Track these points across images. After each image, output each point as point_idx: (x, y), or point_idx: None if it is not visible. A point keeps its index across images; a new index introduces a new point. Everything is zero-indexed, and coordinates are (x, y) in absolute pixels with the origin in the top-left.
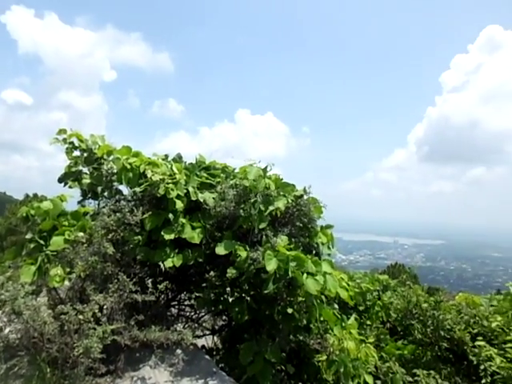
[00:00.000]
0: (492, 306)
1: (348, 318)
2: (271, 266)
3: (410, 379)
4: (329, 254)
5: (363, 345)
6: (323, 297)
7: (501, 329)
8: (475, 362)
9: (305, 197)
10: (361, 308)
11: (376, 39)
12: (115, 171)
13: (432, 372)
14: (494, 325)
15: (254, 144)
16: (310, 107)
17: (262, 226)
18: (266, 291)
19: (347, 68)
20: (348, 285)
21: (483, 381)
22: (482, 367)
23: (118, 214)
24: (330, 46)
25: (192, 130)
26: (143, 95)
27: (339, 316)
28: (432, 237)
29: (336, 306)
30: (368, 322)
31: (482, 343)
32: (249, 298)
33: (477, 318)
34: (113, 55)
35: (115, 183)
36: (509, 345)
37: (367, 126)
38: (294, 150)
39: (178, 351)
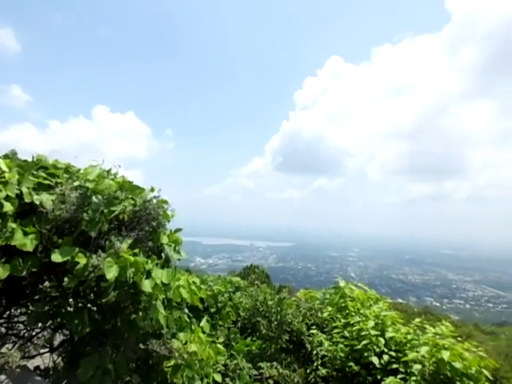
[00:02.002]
0: (326, 298)
1: (200, 321)
2: (111, 273)
3: (256, 372)
4: (178, 259)
5: (213, 345)
6: (173, 302)
7: (331, 318)
8: (310, 349)
9: (154, 200)
10: (212, 310)
11: (242, 55)
12: None
13: (274, 363)
14: (325, 315)
15: (112, 144)
16: (175, 110)
17: (104, 229)
18: (105, 300)
19: (213, 78)
20: (200, 288)
21: (315, 363)
22: (314, 352)
23: None
24: (196, 54)
25: (40, 124)
26: None
27: (188, 320)
28: (284, 239)
29: (186, 310)
30: (221, 323)
31: (315, 331)
32: (94, 308)
33: (312, 311)
34: None
35: None
36: (335, 330)
37: (229, 135)
38: (156, 153)
39: (2, 377)
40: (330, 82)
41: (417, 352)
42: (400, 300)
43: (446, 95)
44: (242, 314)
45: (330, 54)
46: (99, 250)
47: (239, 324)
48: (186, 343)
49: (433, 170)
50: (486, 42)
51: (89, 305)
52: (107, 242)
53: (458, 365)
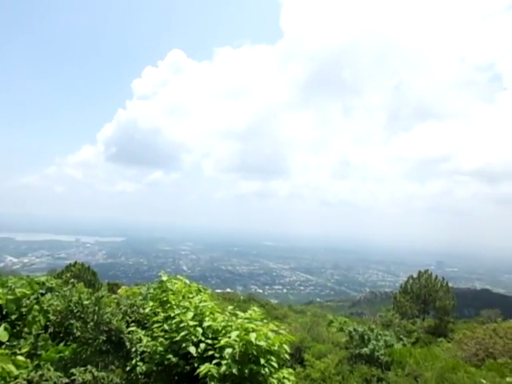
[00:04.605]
0: (149, 293)
1: None
2: None
3: (68, 380)
4: None
5: (11, 358)
6: None
7: (153, 313)
8: (129, 347)
9: None
10: (14, 316)
11: (77, 32)
12: None
13: (89, 367)
14: (147, 310)
15: None
16: None
17: None
18: None
19: (40, 52)
20: None
21: (133, 361)
22: (133, 349)
23: None
24: (26, 24)
25: None
26: None
27: None
28: (114, 234)
29: None
30: (26, 330)
31: (134, 328)
32: None
33: (134, 307)
34: None
35: None
36: (156, 325)
37: (55, 118)
38: None
39: None
40: (170, 74)
41: (229, 337)
42: (228, 289)
43: (276, 103)
44: (52, 317)
45: (173, 47)
46: None
47: (50, 329)
48: None
49: (261, 169)
50: (309, 62)
51: None
52: None
53: (262, 344)
